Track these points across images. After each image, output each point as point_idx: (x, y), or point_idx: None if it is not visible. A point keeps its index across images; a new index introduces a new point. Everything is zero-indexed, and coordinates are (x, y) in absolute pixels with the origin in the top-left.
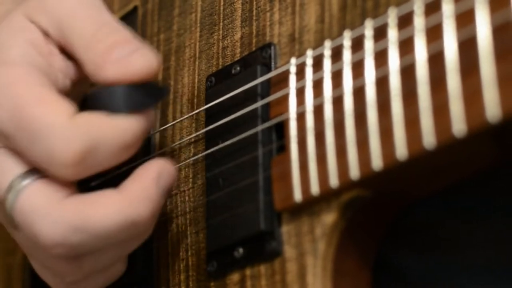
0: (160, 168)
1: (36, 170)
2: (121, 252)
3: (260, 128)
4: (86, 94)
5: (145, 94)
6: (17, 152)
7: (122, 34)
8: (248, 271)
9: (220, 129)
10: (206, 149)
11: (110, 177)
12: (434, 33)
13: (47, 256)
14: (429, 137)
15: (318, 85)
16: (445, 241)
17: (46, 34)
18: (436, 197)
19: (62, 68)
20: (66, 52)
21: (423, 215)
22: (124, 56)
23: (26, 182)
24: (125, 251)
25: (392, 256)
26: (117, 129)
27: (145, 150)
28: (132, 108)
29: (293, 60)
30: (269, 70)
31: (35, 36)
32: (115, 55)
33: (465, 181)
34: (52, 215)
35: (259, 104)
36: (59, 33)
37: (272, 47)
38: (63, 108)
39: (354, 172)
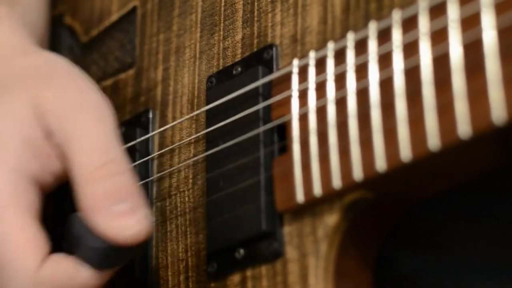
0: None
1: None
2: None
3: (262, 129)
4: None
5: (121, 253)
6: None
7: (125, 181)
8: (249, 272)
9: (221, 129)
10: (207, 149)
11: None
12: (439, 36)
13: None
14: (433, 139)
15: (321, 86)
16: (448, 241)
17: (48, 134)
18: (439, 198)
19: (55, 172)
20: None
21: (426, 216)
22: (121, 215)
23: None
24: None
25: (396, 257)
26: (81, 284)
27: (144, 151)
28: (104, 267)
29: (296, 61)
30: (270, 71)
31: (36, 134)
32: (112, 208)
33: (468, 182)
34: None
35: (261, 105)
36: (64, 146)
37: (274, 48)
38: (37, 249)
39: (358, 173)
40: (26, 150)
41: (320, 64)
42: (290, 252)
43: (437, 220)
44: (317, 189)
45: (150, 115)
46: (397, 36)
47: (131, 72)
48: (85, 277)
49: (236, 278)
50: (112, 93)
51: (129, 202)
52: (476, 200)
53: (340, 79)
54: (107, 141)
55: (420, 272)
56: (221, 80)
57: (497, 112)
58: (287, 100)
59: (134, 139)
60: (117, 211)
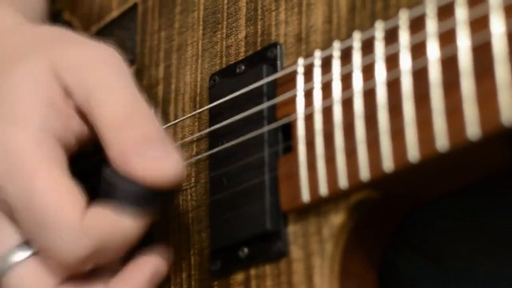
0: (155, 267)
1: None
2: None
3: (266, 128)
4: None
5: (158, 196)
6: (15, 221)
7: (154, 127)
8: (253, 271)
9: (224, 128)
10: (210, 148)
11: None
12: (447, 37)
13: None
14: (442, 140)
15: (327, 86)
16: (450, 247)
17: (68, 93)
18: (441, 203)
19: (77, 133)
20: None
21: (430, 223)
22: (157, 158)
23: (20, 256)
24: None
25: (398, 263)
26: (124, 231)
27: None
28: (143, 207)
29: (301, 61)
30: (275, 70)
31: (57, 95)
32: (147, 153)
33: (473, 185)
34: None
35: (266, 105)
36: (85, 101)
37: (278, 47)
38: (76, 201)
39: (364, 173)
40: (49, 111)
41: (326, 64)
42: (295, 251)
43: (441, 226)
44: (323, 189)
45: None
46: (404, 37)
47: (132, 69)
48: (128, 223)
49: (239, 276)
50: None
51: (163, 146)
52: (478, 208)
53: (346, 79)
54: (130, 92)
55: (422, 280)
56: (224, 78)
57: (507, 113)
58: (292, 99)
59: None
60: (153, 155)
